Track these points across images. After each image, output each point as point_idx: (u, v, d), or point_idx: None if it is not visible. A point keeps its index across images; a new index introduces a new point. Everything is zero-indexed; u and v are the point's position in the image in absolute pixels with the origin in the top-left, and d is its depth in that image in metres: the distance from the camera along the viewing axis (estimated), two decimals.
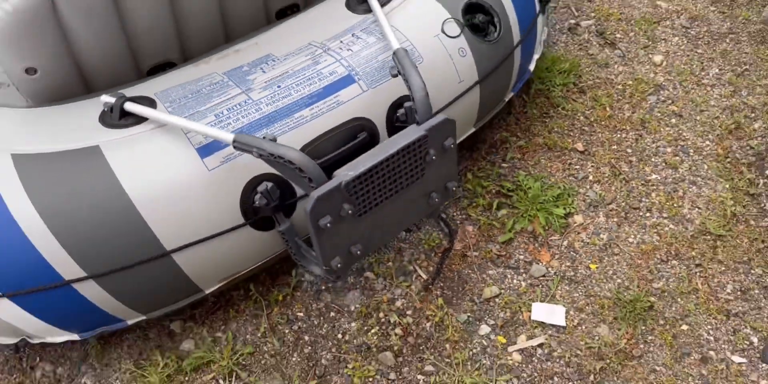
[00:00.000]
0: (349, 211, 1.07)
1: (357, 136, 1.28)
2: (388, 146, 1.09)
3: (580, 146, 1.71)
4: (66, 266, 1.10)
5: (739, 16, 2.01)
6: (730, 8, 2.04)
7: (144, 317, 1.24)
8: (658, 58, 1.91)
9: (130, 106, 1.17)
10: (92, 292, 1.14)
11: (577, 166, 1.67)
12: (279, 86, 1.25)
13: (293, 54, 1.33)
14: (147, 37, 1.33)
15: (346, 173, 1.06)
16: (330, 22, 1.40)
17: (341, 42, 1.34)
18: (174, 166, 1.14)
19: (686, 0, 2.08)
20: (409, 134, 1.11)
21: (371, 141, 1.30)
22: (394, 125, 1.32)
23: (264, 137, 1.07)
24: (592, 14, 2.06)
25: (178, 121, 1.13)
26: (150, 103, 1.22)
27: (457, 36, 1.38)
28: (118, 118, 1.18)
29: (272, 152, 1.04)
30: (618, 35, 1.99)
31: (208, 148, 1.16)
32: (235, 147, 1.08)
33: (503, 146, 1.71)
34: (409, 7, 1.39)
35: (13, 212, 1.08)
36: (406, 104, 1.25)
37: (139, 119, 1.17)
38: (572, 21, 2.05)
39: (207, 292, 1.26)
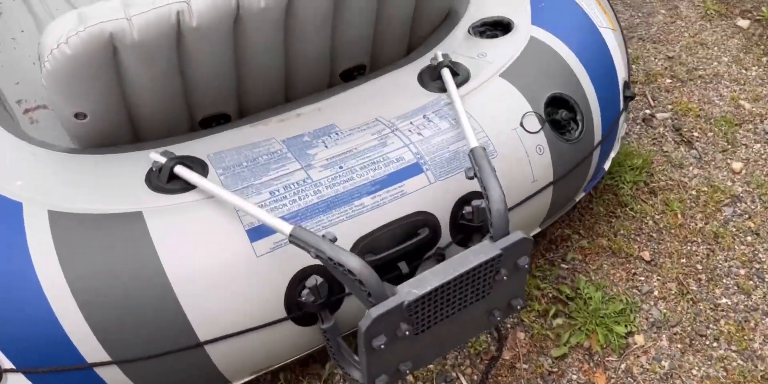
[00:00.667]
0: (407, 332, 0.97)
1: (418, 232, 1.19)
2: (458, 264, 0.99)
3: (646, 255, 1.58)
4: (90, 348, 1.01)
5: None
6: None
7: None
8: (737, 166, 1.80)
9: (180, 170, 1.10)
10: (115, 378, 1.04)
11: (642, 278, 1.54)
12: (341, 167, 1.17)
13: (358, 129, 1.25)
14: (205, 89, 1.26)
15: (409, 291, 0.95)
16: (400, 97, 1.32)
17: (411, 123, 1.25)
18: (221, 247, 1.06)
19: None
20: (483, 252, 1.01)
21: (433, 238, 1.20)
22: (458, 222, 1.22)
23: (324, 235, 0.98)
24: (669, 106, 1.96)
25: (231, 197, 1.05)
26: (201, 167, 1.15)
27: (537, 132, 1.29)
28: (165, 180, 1.10)
29: (332, 257, 0.95)
30: (695, 134, 1.89)
31: (259, 231, 1.07)
32: (290, 241, 0.99)
33: (564, 244, 1.60)
34: (488, 93, 1.30)
35: (42, 279, 0.99)
36: (475, 202, 1.16)
37: (188, 185, 1.10)
38: (647, 111, 1.95)
39: None
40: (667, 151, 1.84)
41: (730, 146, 1.85)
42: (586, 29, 1.48)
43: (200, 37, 1.13)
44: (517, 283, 1.10)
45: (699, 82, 2.03)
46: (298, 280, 1.08)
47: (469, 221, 1.19)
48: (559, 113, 1.33)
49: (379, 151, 1.20)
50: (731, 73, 2.06)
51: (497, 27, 1.47)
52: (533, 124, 1.29)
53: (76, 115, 1.16)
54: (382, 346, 0.94)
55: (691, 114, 1.94)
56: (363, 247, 1.13)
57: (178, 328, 1.03)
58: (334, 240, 0.97)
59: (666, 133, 1.89)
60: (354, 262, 0.93)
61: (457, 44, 1.45)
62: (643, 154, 1.79)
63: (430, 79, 1.36)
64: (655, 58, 2.10)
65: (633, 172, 1.74)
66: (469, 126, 1.18)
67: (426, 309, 0.98)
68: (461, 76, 1.34)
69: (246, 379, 1.17)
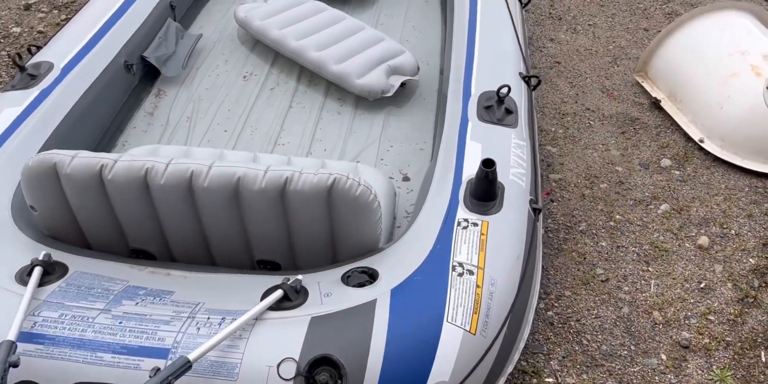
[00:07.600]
0: None
1: None
2: None
3: None
4: None
5: None
6: None
7: None
8: None
9: (34, 271, 1.48)
10: None
11: None
12: (120, 322, 1.39)
13: (176, 303, 1.45)
14: (129, 229, 1.65)
15: None
16: (235, 296, 1.49)
17: (208, 319, 1.40)
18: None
19: None
20: None
21: None
22: None
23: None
24: None
25: (23, 304, 1.39)
26: (61, 275, 1.52)
27: (289, 379, 1.31)
28: (26, 274, 1.50)
29: None
30: None
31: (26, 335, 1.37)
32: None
33: None
34: (284, 327, 1.39)
35: None
36: None
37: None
38: None
39: None
40: None
41: None
42: (429, 321, 1.42)
43: (118, 189, 1.55)
44: None
45: None
46: None
47: None
48: (320, 373, 1.32)
49: (157, 325, 1.39)
50: None
51: (372, 277, 1.53)
52: (289, 370, 1.33)
53: (31, 207, 1.68)
54: None
55: None
56: None
57: None
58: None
59: None
60: None
61: (329, 280, 1.55)
62: None
63: (270, 292, 1.47)
64: None
65: None
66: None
67: None
68: (292, 303, 1.44)
69: None
